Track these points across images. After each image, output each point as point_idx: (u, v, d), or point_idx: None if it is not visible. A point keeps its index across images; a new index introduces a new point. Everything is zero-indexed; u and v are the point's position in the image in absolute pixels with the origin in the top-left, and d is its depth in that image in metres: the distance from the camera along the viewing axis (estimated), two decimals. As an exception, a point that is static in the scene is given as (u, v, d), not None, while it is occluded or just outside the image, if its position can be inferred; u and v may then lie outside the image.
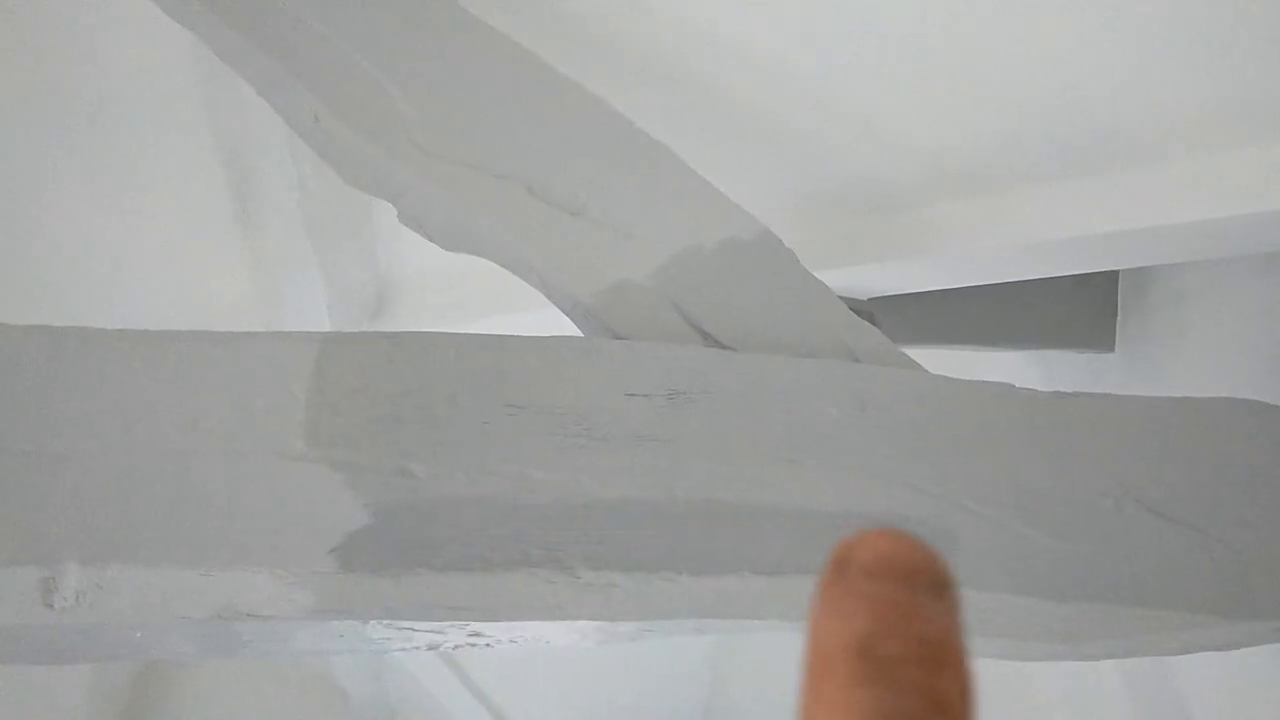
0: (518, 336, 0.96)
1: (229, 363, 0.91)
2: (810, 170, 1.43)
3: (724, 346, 1.04)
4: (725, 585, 0.90)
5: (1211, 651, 1.00)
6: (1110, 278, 1.65)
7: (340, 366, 0.91)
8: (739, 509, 0.92)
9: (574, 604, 0.88)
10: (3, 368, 0.88)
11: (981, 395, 1.00)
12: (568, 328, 1.11)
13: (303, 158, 1.79)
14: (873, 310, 1.62)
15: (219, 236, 1.96)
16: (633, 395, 0.95)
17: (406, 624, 0.88)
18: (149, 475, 0.86)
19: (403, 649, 0.95)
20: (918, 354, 1.16)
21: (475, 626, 0.89)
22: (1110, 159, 1.30)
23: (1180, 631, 0.94)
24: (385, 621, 0.87)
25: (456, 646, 0.95)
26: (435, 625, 0.89)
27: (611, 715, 3.85)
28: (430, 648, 0.95)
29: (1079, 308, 1.64)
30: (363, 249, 2.06)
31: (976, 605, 0.93)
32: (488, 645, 0.96)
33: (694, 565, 0.90)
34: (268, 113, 1.72)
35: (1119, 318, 1.63)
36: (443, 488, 0.89)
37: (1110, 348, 1.63)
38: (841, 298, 1.58)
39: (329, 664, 3.92)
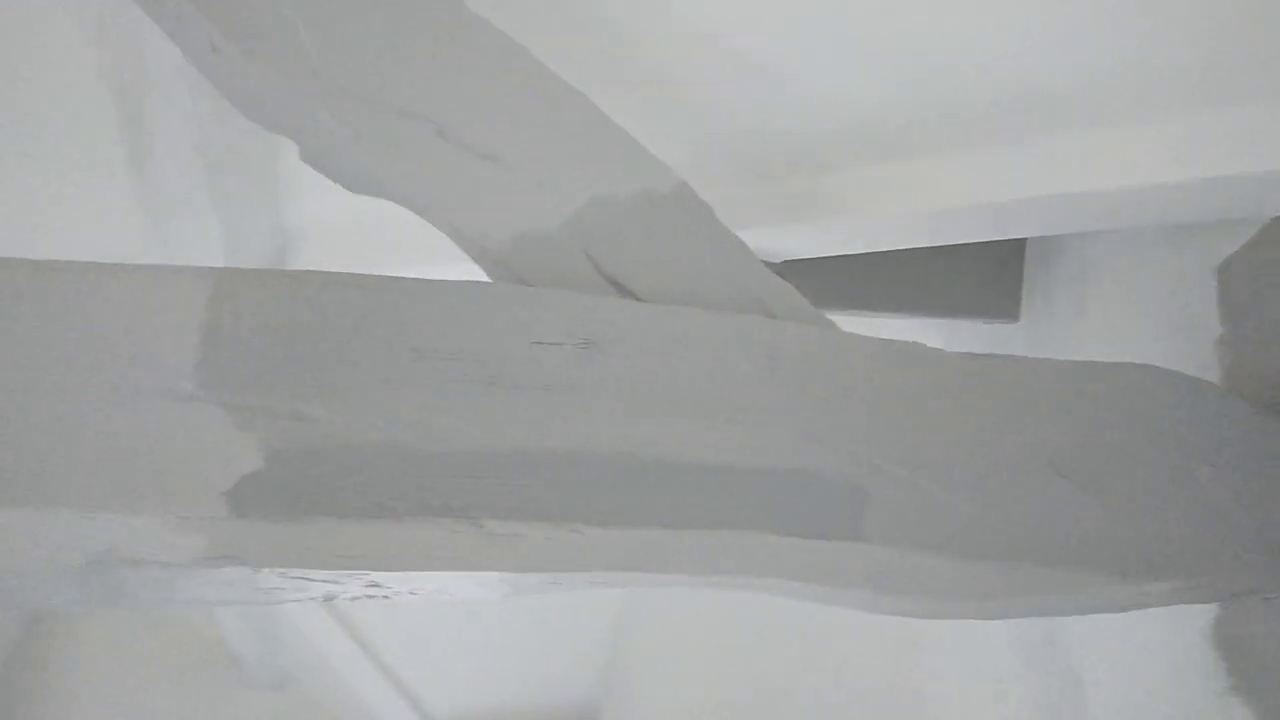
0: (423, 279, 0.93)
1: (116, 296, 0.85)
2: (725, 130, 1.41)
3: (636, 298, 1.02)
4: (633, 539, 0.88)
5: (1110, 613, 1.01)
6: (1017, 248, 1.67)
7: (236, 304, 0.87)
8: (648, 462, 0.90)
9: (478, 555, 0.85)
10: None
11: (892, 354, 0.99)
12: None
13: (202, 95, 1.71)
14: (783, 273, 1.61)
15: (110, 177, 1.87)
16: (541, 344, 0.92)
17: (301, 573, 0.84)
18: (28, 411, 0.80)
19: (297, 599, 0.91)
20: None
21: (374, 577, 0.86)
22: (1025, 126, 1.31)
23: (1081, 591, 0.95)
24: (279, 570, 0.83)
25: (354, 598, 0.92)
26: (332, 575, 0.85)
27: (509, 681, 3.83)
28: (327, 599, 0.91)
29: (985, 277, 1.65)
30: (264, 195, 1.98)
31: (883, 563, 0.92)
32: (385, 597, 0.93)
33: (602, 518, 0.88)
34: (164, 44, 1.64)
35: (1024, 288, 1.65)
36: (341, 432, 0.85)
37: (1015, 318, 1.65)
38: (752, 260, 1.56)
39: (221, 628, 3.83)
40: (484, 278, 1.08)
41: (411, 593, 0.92)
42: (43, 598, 0.86)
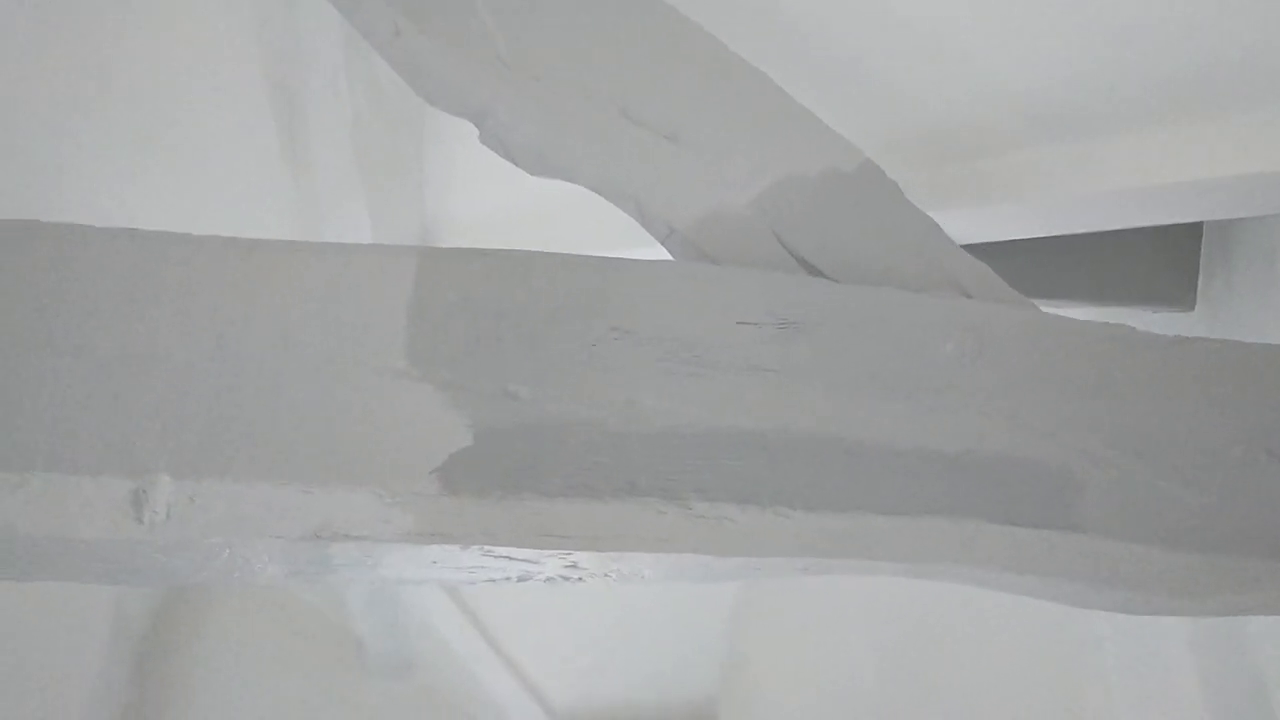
0: (622, 259, 0.92)
1: (323, 274, 0.86)
2: (894, 114, 1.38)
3: (827, 278, 0.99)
4: (840, 524, 0.86)
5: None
6: (1192, 232, 1.60)
7: (441, 282, 0.87)
8: (855, 445, 0.88)
9: (683, 537, 0.84)
10: (86, 271, 0.83)
11: (1103, 336, 0.95)
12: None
13: (359, 88, 1.74)
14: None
15: (263, 170, 1.91)
16: (744, 323, 0.90)
17: (505, 552, 0.84)
18: (242, 386, 0.81)
19: (493, 579, 0.91)
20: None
21: (576, 557, 0.85)
22: (1211, 103, 1.25)
23: (1313, 585, 0.90)
24: (485, 548, 0.83)
25: (548, 579, 0.91)
26: (534, 554, 0.85)
27: (629, 673, 3.84)
28: (521, 579, 0.91)
29: (1159, 264, 1.59)
30: (411, 189, 2.01)
31: (1099, 554, 0.89)
32: (580, 580, 0.92)
33: (808, 501, 0.86)
34: (321, 38, 1.67)
35: (1201, 275, 1.58)
36: (548, 411, 0.85)
37: (1190, 306, 1.58)
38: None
39: (346, 615, 3.90)
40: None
41: (607, 574, 0.91)
42: (249, 572, 0.87)
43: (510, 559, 0.86)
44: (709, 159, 1.05)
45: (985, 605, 2.09)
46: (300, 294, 0.85)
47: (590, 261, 0.90)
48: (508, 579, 0.91)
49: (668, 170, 1.05)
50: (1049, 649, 1.90)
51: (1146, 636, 1.65)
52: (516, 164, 1.14)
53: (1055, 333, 0.95)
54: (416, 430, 0.82)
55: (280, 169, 1.90)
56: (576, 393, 0.85)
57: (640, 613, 3.61)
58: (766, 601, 3.44)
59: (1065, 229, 1.42)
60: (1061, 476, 0.89)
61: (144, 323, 0.82)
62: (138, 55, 1.83)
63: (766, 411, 0.88)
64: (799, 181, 1.04)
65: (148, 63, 1.83)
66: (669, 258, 1.06)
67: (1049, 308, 1.66)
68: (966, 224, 1.48)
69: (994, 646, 2.11)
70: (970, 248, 1.54)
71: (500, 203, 2.04)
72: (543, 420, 0.84)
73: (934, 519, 0.87)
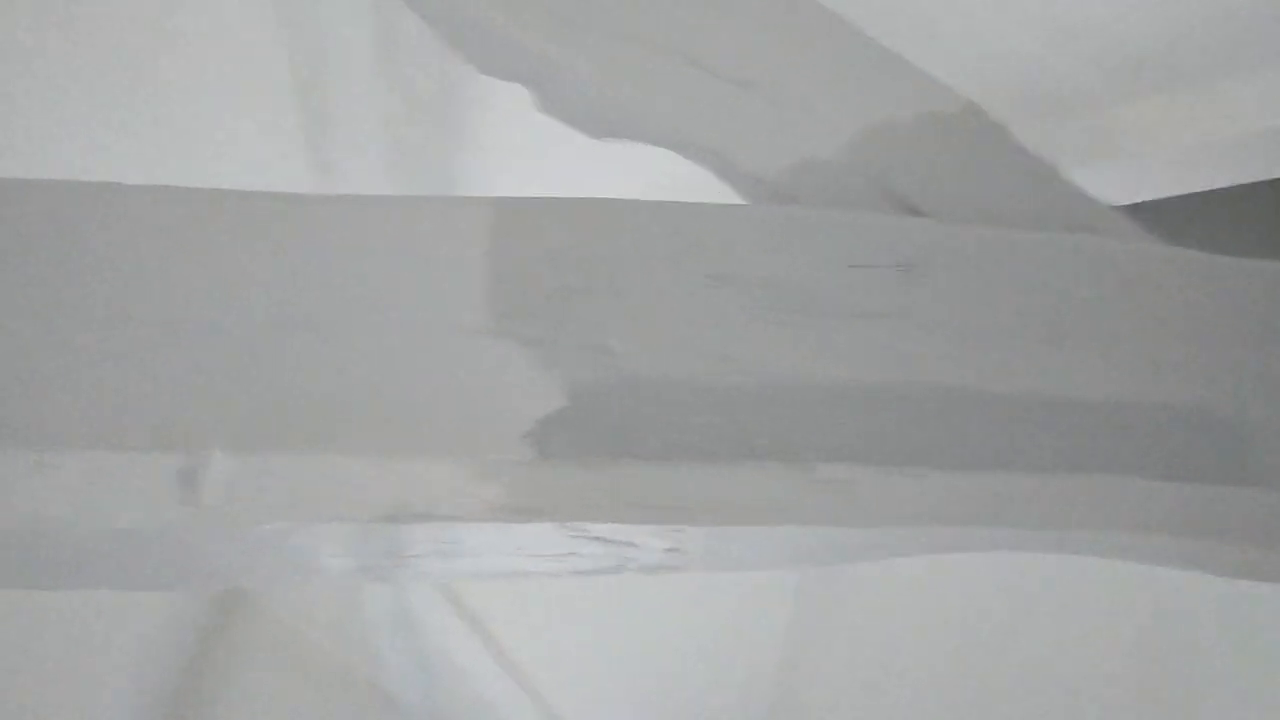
0: (716, 204, 0.82)
1: (389, 226, 0.77)
2: (977, 69, 1.29)
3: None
4: (984, 484, 0.75)
5: None
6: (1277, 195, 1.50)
7: (520, 232, 0.77)
8: (992, 396, 0.77)
9: (805, 505, 0.73)
10: (125, 230, 0.74)
11: (1260, 277, 0.85)
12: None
13: (390, 90, 1.65)
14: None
15: (288, 176, 1.82)
16: (856, 267, 0.80)
17: (600, 531, 0.74)
18: (302, 349, 0.71)
19: (580, 570, 0.80)
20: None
21: (681, 536, 0.75)
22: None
23: None
24: (583, 524, 0.72)
25: (645, 566, 0.80)
26: (635, 533, 0.74)
27: (674, 716, 3.68)
28: (617, 568, 0.80)
29: (1245, 227, 1.49)
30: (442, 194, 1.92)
31: (1277, 511, 0.78)
32: (677, 567, 0.81)
33: (946, 460, 0.75)
34: (351, 37, 1.59)
35: (1298, 243, 1.48)
36: (645, 366, 0.74)
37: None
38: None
39: (376, 667, 3.78)
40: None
41: (711, 558, 0.80)
42: (311, 565, 0.76)
43: (606, 541, 0.75)
44: (788, 105, 0.96)
45: (1081, 616, 1.97)
46: (364, 248, 0.76)
47: (682, 207, 0.81)
48: (599, 569, 0.80)
49: (747, 120, 0.96)
50: (1150, 651, 1.77)
51: (1270, 630, 1.52)
52: (579, 129, 1.05)
53: (1204, 272, 0.85)
54: (502, 392, 0.72)
55: (306, 174, 1.82)
56: (675, 346, 0.76)
57: (689, 655, 3.47)
58: (821, 625, 3.29)
59: (1162, 191, 1.32)
60: (1227, 425, 0.79)
61: (189, 285, 0.73)
62: (163, 60, 1.75)
63: (889, 362, 0.77)
64: (895, 125, 0.95)
65: (173, 67, 1.76)
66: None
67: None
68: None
69: (1088, 660, 1.97)
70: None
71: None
72: (641, 376, 0.74)
73: (1086, 476, 0.76)
